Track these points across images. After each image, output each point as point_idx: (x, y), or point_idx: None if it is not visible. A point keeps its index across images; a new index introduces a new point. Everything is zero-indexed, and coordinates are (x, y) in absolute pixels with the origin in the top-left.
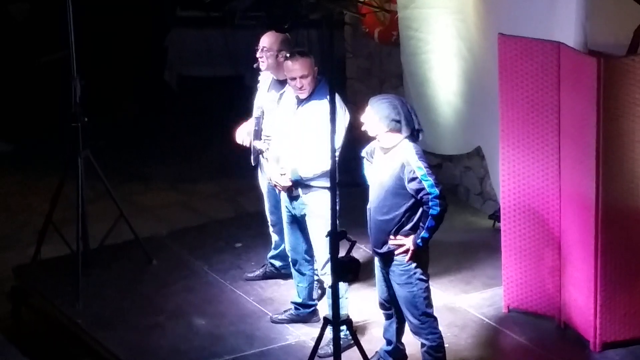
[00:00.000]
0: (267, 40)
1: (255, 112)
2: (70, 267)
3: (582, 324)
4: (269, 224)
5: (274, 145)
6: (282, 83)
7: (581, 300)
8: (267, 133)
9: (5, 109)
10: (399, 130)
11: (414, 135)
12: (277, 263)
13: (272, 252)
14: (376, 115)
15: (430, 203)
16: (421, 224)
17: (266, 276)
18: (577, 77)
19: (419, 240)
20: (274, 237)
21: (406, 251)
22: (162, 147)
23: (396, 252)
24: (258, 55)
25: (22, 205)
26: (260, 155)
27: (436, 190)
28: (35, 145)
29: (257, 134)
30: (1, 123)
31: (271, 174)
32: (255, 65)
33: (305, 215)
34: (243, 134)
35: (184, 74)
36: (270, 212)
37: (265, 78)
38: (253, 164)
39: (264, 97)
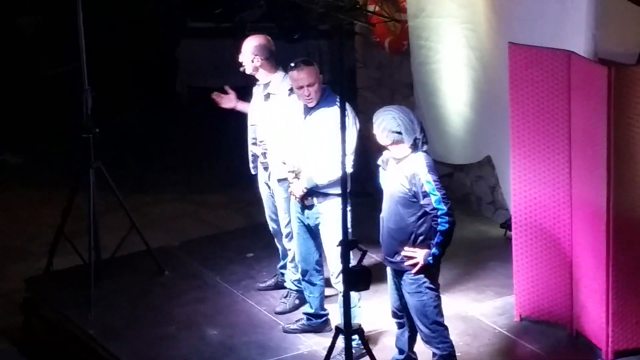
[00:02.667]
0: (245, 46)
1: (250, 121)
2: (82, 278)
3: (594, 332)
4: (272, 232)
5: (274, 153)
6: (266, 86)
7: (593, 308)
8: (262, 138)
9: (15, 120)
10: (402, 141)
11: (416, 145)
12: None
13: (281, 262)
14: (379, 128)
15: (438, 220)
16: (431, 240)
17: (278, 286)
18: (587, 86)
19: (430, 258)
20: (279, 247)
21: (415, 264)
22: (172, 158)
23: (406, 264)
24: (240, 59)
25: (33, 217)
26: (261, 157)
27: (444, 207)
28: (46, 156)
29: (253, 143)
30: (12, 135)
31: (292, 187)
32: (241, 69)
33: (319, 224)
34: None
35: (194, 85)
36: (270, 219)
37: (258, 88)
38: (252, 172)
39: (258, 105)
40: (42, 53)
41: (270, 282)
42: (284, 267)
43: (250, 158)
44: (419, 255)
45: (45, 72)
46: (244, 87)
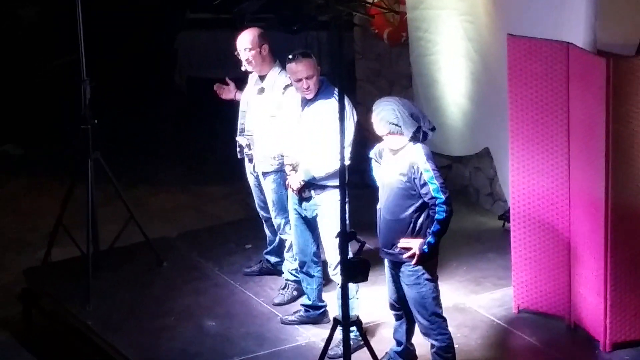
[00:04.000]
0: (246, 40)
1: (242, 106)
2: (80, 269)
3: (592, 324)
4: (262, 219)
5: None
6: (261, 78)
7: (591, 300)
8: (249, 128)
9: (15, 112)
10: (400, 133)
11: (417, 137)
12: (272, 259)
13: (268, 249)
14: (377, 118)
15: (436, 208)
16: (428, 229)
17: (262, 272)
18: (586, 78)
19: (424, 247)
20: (267, 233)
21: (413, 255)
22: (171, 149)
23: (404, 256)
24: (242, 57)
25: (33, 208)
26: (246, 149)
27: (442, 196)
28: (46, 148)
29: (241, 130)
30: (12, 126)
31: (290, 179)
32: (242, 68)
33: (316, 216)
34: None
35: (193, 76)
36: (259, 207)
37: (254, 74)
38: (239, 157)
39: (251, 93)
40: (43, 43)
41: (255, 267)
42: (269, 253)
43: (237, 145)
44: (414, 245)
45: (48, 63)
46: (243, 78)
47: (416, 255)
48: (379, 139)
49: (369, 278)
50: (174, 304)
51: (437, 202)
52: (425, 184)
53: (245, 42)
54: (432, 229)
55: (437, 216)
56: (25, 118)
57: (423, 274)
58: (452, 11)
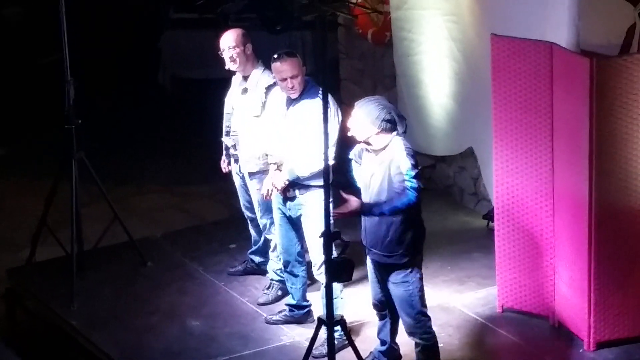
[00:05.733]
0: (231, 38)
1: (226, 109)
2: (64, 269)
3: (576, 323)
4: (247, 219)
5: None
6: (245, 79)
7: (575, 299)
8: (234, 129)
9: None
10: (391, 130)
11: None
12: (257, 259)
13: (252, 248)
14: (367, 118)
15: (407, 191)
16: (410, 234)
17: (247, 272)
18: (569, 77)
19: (377, 210)
20: (252, 233)
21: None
22: (155, 149)
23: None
24: (226, 56)
25: (17, 208)
26: (232, 150)
27: (415, 184)
28: (30, 147)
29: (227, 132)
30: None
31: (266, 183)
32: (226, 67)
33: (301, 215)
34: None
35: (177, 76)
36: (244, 207)
37: (237, 76)
38: (223, 159)
39: (235, 94)
40: (29, 43)
41: (240, 267)
42: (254, 252)
43: (223, 146)
44: (353, 202)
45: (35, 61)
46: (226, 79)
47: (348, 211)
48: (357, 140)
49: (353, 278)
50: (158, 304)
51: (409, 186)
52: (400, 173)
53: (229, 40)
54: (393, 203)
55: (406, 197)
56: (8, 117)
57: (410, 271)
58: (435, 11)
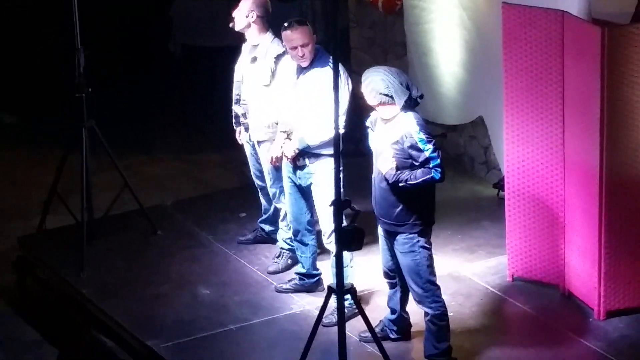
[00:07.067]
0: (244, 0)
1: (236, 77)
2: (75, 237)
3: (586, 292)
4: (257, 188)
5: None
6: (254, 47)
7: (585, 268)
8: (244, 97)
9: (10, 80)
10: (392, 103)
11: (408, 105)
12: (267, 227)
13: (263, 217)
14: (367, 88)
15: (431, 170)
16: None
17: (257, 240)
18: (581, 46)
19: (401, 183)
20: (263, 202)
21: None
22: (166, 117)
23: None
24: (233, 14)
25: (28, 177)
26: (242, 118)
27: (438, 160)
28: (41, 116)
29: (237, 100)
30: (6, 95)
31: (274, 148)
32: (230, 25)
33: (311, 184)
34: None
35: (188, 44)
36: (255, 176)
37: (247, 44)
38: (234, 127)
39: (245, 63)
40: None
41: (250, 236)
42: (264, 221)
43: (233, 114)
44: (392, 163)
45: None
46: (237, 47)
47: (389, 169)
48: (372, 108)
49: (363, 246)
50: (168, 272)
51: (432, 164)
52: (420, 150)
53: (242, 2)
54: (419, 177)
55: (432, 174)
56: (20, 86)
57: (418, 241)
58: None
